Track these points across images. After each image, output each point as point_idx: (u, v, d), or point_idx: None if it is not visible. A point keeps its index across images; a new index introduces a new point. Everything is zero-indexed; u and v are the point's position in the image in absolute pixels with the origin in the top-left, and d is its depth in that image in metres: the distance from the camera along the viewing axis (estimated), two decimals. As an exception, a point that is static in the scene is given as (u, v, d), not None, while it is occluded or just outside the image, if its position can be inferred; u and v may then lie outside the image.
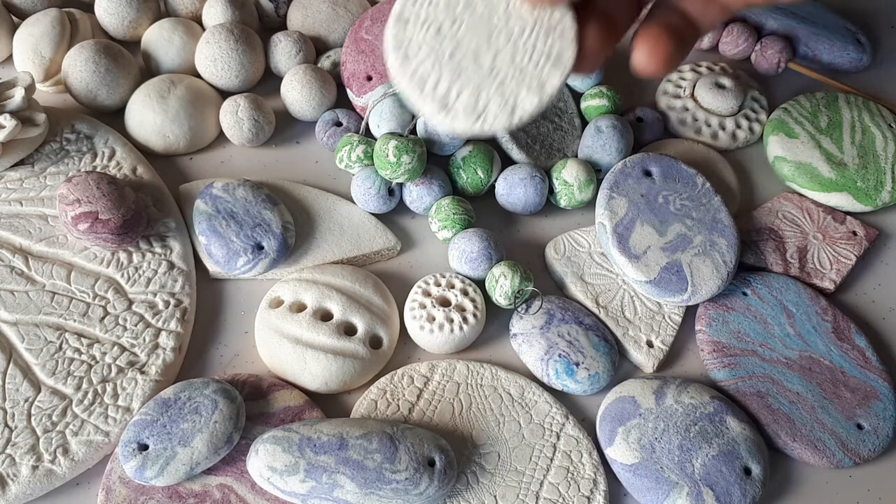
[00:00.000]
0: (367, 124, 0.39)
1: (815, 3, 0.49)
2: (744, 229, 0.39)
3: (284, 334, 0.33)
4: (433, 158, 0.39)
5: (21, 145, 0.37)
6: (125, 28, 0.43)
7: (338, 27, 0.44)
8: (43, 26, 0.41)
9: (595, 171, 0.39)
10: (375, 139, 0.38)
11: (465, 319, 0.34)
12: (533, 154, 0.39)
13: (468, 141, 0.39)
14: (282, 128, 0.42)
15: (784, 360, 0.35)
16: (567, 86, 0.43)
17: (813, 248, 0.39)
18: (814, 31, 0.47)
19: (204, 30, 0.43)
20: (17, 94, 0.37)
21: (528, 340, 0.34)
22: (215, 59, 0.41)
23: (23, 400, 0.31)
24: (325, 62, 0.43)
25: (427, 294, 0.35)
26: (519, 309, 0.35)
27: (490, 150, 0.38)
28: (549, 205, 0.39)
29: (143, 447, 0.29)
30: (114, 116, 0.41)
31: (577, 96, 0.42)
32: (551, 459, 0.31)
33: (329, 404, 0.33)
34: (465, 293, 0.35)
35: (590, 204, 0.39)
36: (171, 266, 0.35)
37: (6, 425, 0.30)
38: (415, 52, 0.23)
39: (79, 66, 0.39)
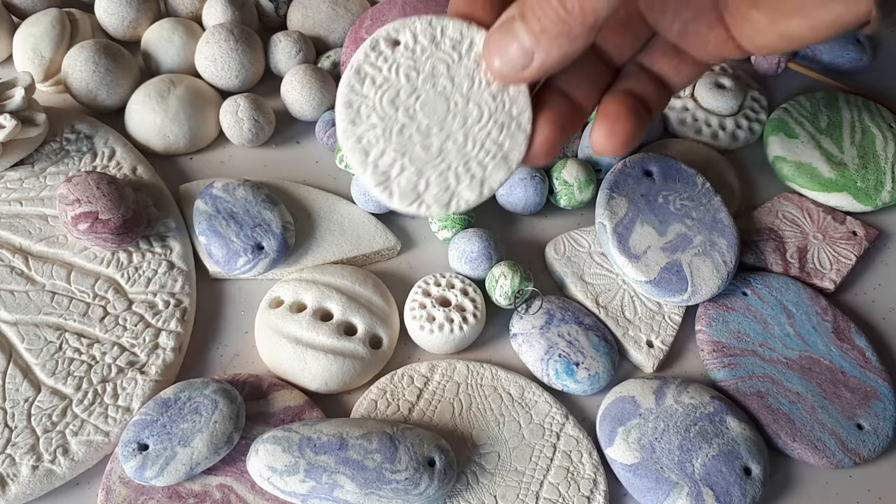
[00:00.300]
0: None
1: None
2: (744, 229, 0.39)
3: (284, 334, 0.33)
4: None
5: (21, 145, 0.37)
6: (125, 28, 0.43)
7: (338, 27, 0.44)
8: (43, 26, 0.41)
9: (595, 171, 0.39)
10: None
11: (465, 319, 0.34)
12: (533, 154, 0.39)
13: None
14: (282, 128, 0.42)
15: (784, 360, 0.35)
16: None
17: (813, 248, 0.39)
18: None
19: (204, 30, 0.43)
20: (17, 94, 0.37)
21: (528, 340, 0.34)
22: (215, 59, 0.41)
23: (23, 400, 0.31)
24: (325, 62, 0.43)
25: (427, 294, 0.35)
26: (519, 309, 0.35)
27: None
28: (549, 205, 0.39)
29: (143, 447, 0.29)
30: (114, 116, 0.41)
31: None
32: (551, 459, 0.31)
33: (329, 404, 0.33)
34: (465, 293, 0.35)
35: (590, 204, 0.39)
36: (171, 266, 0.35)
37: (6, 425, 0.30)
38: (365, 115, 0.22)
39: (79, 66, 0.39)
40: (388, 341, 0.34)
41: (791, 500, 0.33)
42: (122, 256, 0.35)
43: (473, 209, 0.38)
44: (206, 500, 0.29)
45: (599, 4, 0.19)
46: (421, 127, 0.22)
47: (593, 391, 0.34)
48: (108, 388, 0.32)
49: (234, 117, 0.39)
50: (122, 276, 0.35)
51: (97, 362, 0.32)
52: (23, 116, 0.37)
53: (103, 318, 0.33)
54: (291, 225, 0.36)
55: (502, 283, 0.34)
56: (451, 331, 0.33)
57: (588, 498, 0.31)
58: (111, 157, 0.38)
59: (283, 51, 0.42)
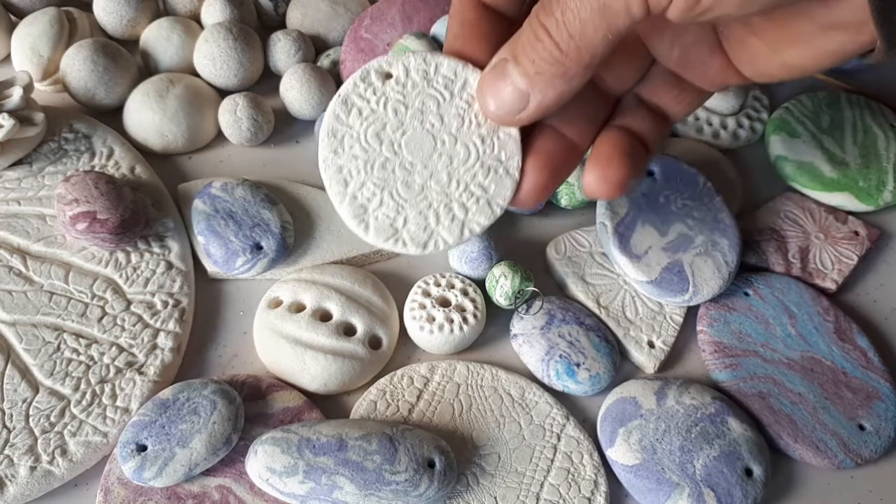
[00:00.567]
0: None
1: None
2: (745, 229, 0.39)
3: (283, 335, 0.33)
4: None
5: (19, 145, 0.37)
6: (124, 27, 0.43)
7: (337, 26, 0.44)
8: (41, 25, 0.41)
9: (596, 171, 0.39)
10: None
11: (465, 320, 0.34)
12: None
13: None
14: (281, 127, 0.42)
15: (786, 360, 0.35)
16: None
17: (815, 247, 0.38)
18: (815, 29, 0.46)
19: (203, 28, 0.43)
20: (16, 94, 0.36)
21: (528, 341, 0.34)
22: (214, 57, 0.41)
23: (21, 400, 0.31)
24: (324, 61, 0.43)
25: (427, 294, 0.34)
26: (519, 309, 0.35)
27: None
28: (549, 204, 0.39)
29: (142, 448, 0.29)
30: (112, 115, 0.41)
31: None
32: (552, 460, 0.31)
33: (328, 405, 0.33)
34: (465, 293, 0.34)
35: (591, 203, 0.39)
36: (170, 266, 0.35)
37: (4, 426, 0.30)
38: (348, 146, 0.22)
39: (77, 65, 0.39)
40: (388, 342, 0.34)
41: (792, 500, 0.32)
42: (121, 256, 0.35)
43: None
44: (205, 501, 0.29)
45: (596, 41, 0.18)
46: (404, 163, 0.22)
47: (594, 392, 0.34)
48: (107, 388, 0.31)
49: (232, 116, 0.39)
50: (121, 276, 0.34)
51: (95, 363, 0.32)
52: (21, 116, 0.36)
53: (101, 318, 0.33)
54: (290, 225, 0.36)
55: (503, 284, 0.34)
56: (451, 331, 0.33)
57: (589, 499, 0.31)
58: (109, 157, 0.38)
59: (282, 50, 0.42)
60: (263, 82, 0.43)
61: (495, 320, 0.36)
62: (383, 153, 0.22)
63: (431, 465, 0.29)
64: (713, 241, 0.36)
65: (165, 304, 0.34)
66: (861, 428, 0.33)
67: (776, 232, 0.39)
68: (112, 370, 0.32)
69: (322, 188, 0.39)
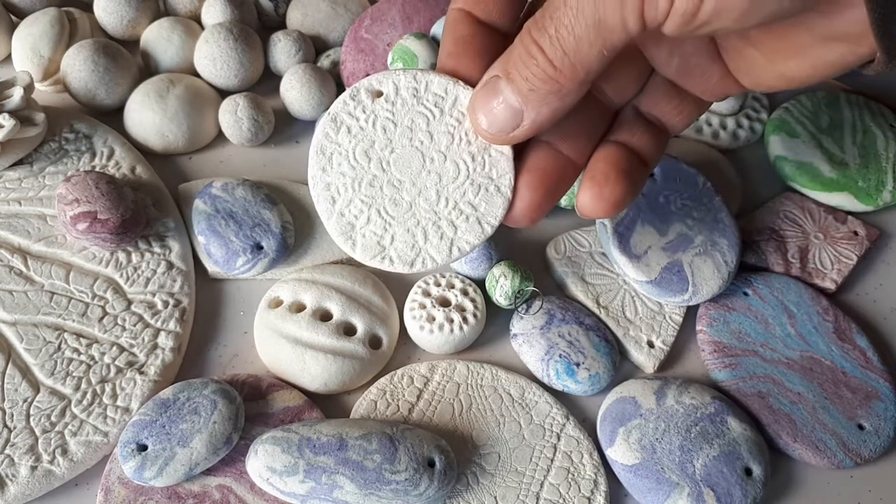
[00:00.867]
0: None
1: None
2: (745, 229, 0.39)
3: (284, 334, 0.33)
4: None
5: (20, 145, 0.37)
6: (124, 27, 0.43)
7: (337, 26, 0.44)
8: (42, 25, 0.41)
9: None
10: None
11: (465, 319, 0.34)
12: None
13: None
14: (281, 127, 0.42)
15: (785, 360, 0.35)
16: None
17: (814, 247, 0.38)
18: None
19: (203, 29, 0.43)
20: (16, 94, 0.36)
21: (528, 341, 0.34)
22: (214, 58, 0.41)
23: (21, 400, 0.31)
24: (324, 61, 0.43)
25: (427, 294, 0.34)
26: (519, 309, 0.35)
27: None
28: (549, 204, 0.39)
29: (142, 448, 0.29)
30: (113, 116, 0.41)
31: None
32: (552, 460, 0.31)
33: (329, 405, 0.33)
34: (465, 293, 0.35)
35: (590, 203, 0.38)
36: (170, 266, 0.35)
37: (5, 426, 0.30)
38: (337, 163, 0.22)
39: (78, 65, 0.39)
40: (388, 341, 0.34)
41: (792, 500, 0.32)
42: (121, 256, 0.35)
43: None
44: (206, 501, 0.29)
45: (591, 58, 0.18)
46: (392, 180, 0.22)
47: (594, 391, 0.34)
48: (107, 388, 0.31)
49: (233, 116, 0.39)
50: (121, 275, 0.35)
51: (96, 362, 0.32)
52: (21, 116, 0.37)
53: (102, 318, 0.33)
54: (291, 224, 0.36)
55: (502, 283, 0.34)
56: (451, 331, 0.33)
57: (588, 499, 0.31)
58: (110, 157, 0.38)
59: (282, 50, 0.42)
60: (264, 82, 0.43)
61: (495, 320, 0.36)
62: (371, 171, 0.22)
63: (431, 464, 0.29)
64: (713, 241, 0.36)
65: (166, 303, 0.34)
66: (860, 427, 0.33)
67: (775, 232, 0.39)
68: (113, 370, 0.32)
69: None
